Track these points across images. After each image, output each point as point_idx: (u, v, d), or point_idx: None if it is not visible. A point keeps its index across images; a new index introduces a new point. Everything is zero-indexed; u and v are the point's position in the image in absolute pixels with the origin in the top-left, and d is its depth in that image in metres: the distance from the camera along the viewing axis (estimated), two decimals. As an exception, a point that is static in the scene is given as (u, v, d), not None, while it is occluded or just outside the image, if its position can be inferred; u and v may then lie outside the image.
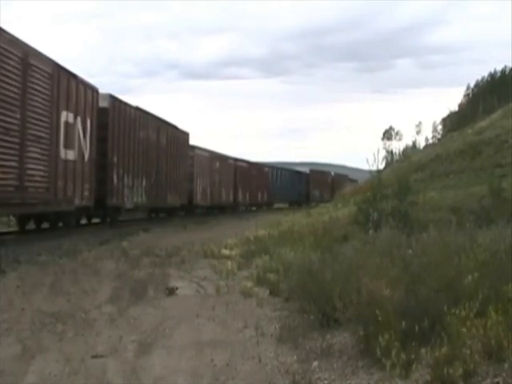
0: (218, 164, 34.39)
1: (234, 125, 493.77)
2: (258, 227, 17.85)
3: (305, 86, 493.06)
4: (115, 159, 19.49)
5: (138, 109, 22.00)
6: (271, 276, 8.57)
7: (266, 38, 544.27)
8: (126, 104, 20.71)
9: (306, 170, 60.99)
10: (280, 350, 5.29)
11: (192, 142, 30.24)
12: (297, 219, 20.92)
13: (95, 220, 20.11)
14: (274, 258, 10.14)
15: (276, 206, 49.25)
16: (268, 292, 7.92)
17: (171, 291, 8.15)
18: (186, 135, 29.05)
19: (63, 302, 7.47)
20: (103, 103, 18.49)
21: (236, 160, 39.56)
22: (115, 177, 19.56)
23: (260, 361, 5.02)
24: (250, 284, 8.39)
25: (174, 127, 26.92)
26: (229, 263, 10.49)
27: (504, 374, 3.84)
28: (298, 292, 6.68)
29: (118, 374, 4.81)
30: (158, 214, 26.77)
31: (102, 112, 18.27)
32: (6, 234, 15.19)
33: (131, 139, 21.02)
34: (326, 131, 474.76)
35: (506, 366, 3.92)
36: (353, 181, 73.02)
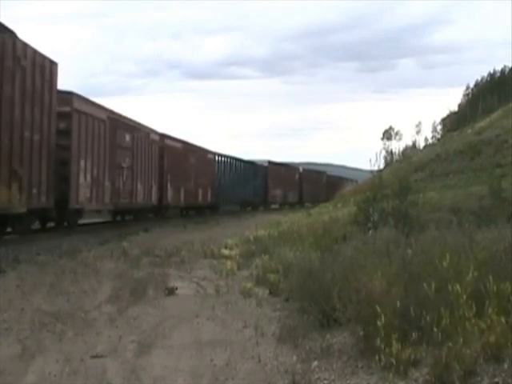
0: (128, 138, 20.23)
1: (234, 125, 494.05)
2: (258, 227, 17.86)
3: (306, 86, 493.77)
4: None
5: None
6: (271, 276, 8.57)
7: (268, 38, 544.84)
8: None
9: (264, 163, 45.57)
10: (280, 349, 5.28)
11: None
12: (296, 219, 20.96)
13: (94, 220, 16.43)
14: (273, 257, 10.14)
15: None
16: (268, 292, 7.92)
17: (171, 291, 8.15)
18: (51, 65, 14.27)
19: (63, 301, 7.47)
20: None
21: (164, 136, 25.07)
22: None
23: (260, 361, 5.02)
24: (249, 284, 8.39)
25: (11, 33, 12.34)
26: (228, 263, 10.50)
27: (503, 374, 3.84)
28: (298, 292, 6.67)
29: (117, 373, 4.81)
30: None
31: None
32: (5, 233, 15.17)
33: None
34: (327, 131, 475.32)
35: (506, 366, 3.92)
36: (340, 179, 65.26)
